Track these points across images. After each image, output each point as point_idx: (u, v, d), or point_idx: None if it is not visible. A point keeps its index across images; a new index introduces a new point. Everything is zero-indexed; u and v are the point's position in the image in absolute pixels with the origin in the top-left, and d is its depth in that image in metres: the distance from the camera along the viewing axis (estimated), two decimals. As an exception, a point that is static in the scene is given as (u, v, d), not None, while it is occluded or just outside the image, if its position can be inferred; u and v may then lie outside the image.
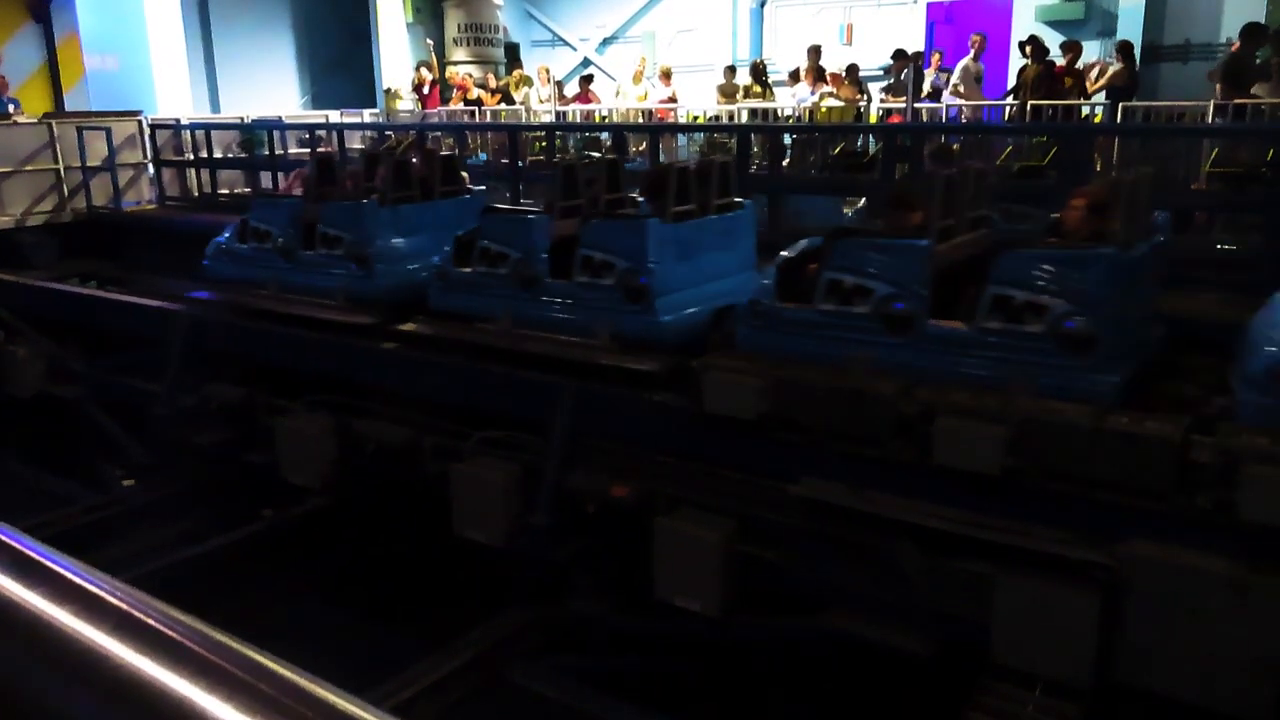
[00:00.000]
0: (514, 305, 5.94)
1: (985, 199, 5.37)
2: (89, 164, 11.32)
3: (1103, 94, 11.44)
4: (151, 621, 0.61)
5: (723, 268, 6.04)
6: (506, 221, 6.21)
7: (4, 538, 0.69)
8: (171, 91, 16.51)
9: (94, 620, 0.61)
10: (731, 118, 13.16)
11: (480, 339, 5.96)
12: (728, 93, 14.28)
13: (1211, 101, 9.86)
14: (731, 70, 15.06)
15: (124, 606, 0.62)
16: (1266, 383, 3.89)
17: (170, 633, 0.60)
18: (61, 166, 11.20)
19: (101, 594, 0.63)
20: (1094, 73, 11.73)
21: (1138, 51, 13.61)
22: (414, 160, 7.71)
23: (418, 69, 17.50)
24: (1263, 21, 11.89)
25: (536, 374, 5.60)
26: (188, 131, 12.95)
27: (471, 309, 6.14)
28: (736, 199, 6.39)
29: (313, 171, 7.68)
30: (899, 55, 12.72)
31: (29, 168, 10.99)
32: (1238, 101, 9.56)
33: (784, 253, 5.29)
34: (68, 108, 14.57)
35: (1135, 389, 4.33)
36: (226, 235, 7.72)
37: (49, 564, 0.66)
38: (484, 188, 8.42)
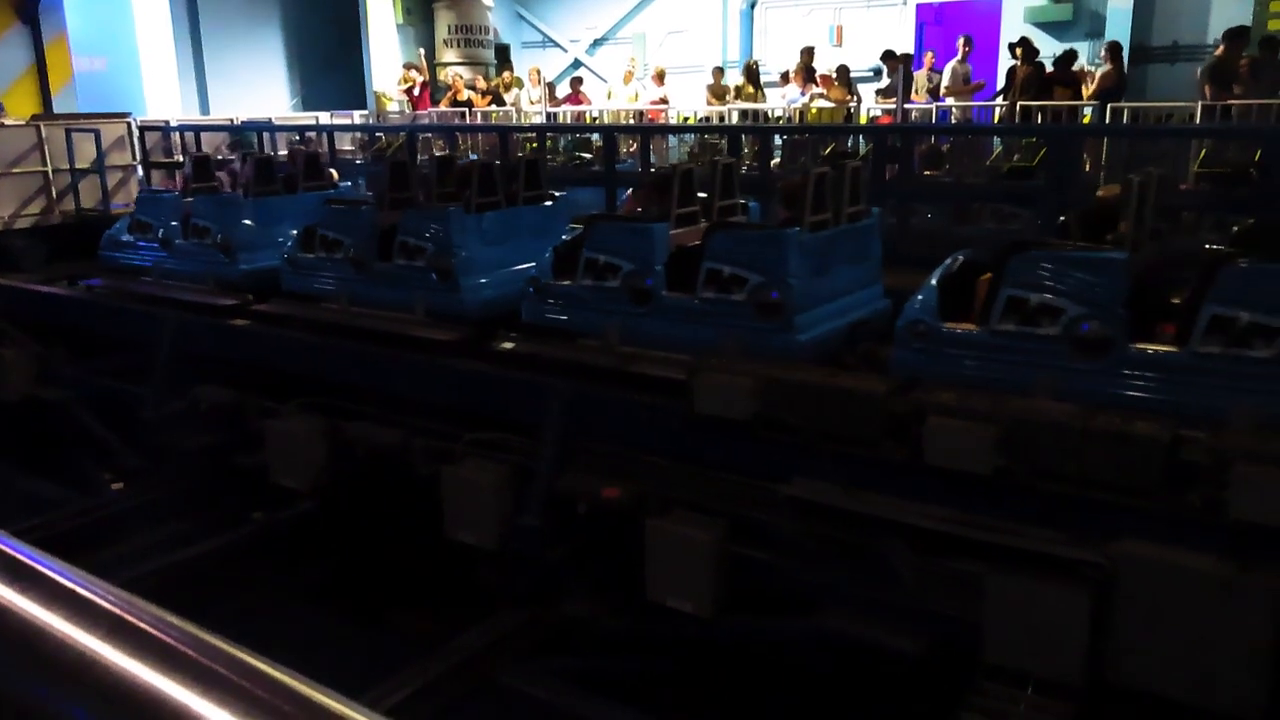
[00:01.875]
0: (351, 287, 6.84)
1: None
2: (77, 166, 11.24)
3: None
4: (145, 625, 0.60)
5: (529, 251, 6.45)
6: (341, 213, 7.17)
7: (-5, 542, 0.69)
8: (160, 93, 16.46)
9: (86, 624, 0.60)
10: (722, 119, 13.18)
11: (321, 316, 6.82)
12: (717, 94, 14.29)
13: (1199, 103, 9.92)
14: (720, 71, 15.07)
15: (117, 610, 0.61)
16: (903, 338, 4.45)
17: (164, 637, 0.60)
18: (50, 169, 11.12)
19: (94, 598, 0.63)
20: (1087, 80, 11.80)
21: (1126, 53, 13.69)
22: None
23: (405, 70, 17.47)
24: (1248, 24, 11.99)
25: (526, 375, 5.59)
26: (177, 133, 12.89)
27: (317, 290, 7.12)
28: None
29: (189, 170, 8.86)
30: (888, 56, 12.75)
31: (16, 170, 10.91)
32: (1225, 103, 9.62)
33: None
34: (56, 109, 14.49)
35: None
36: (117, 227, 8.88)
37: (41, 568, 0.66)
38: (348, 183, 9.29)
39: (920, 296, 4.82)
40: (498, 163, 7.21)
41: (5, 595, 0.63)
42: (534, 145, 11.14)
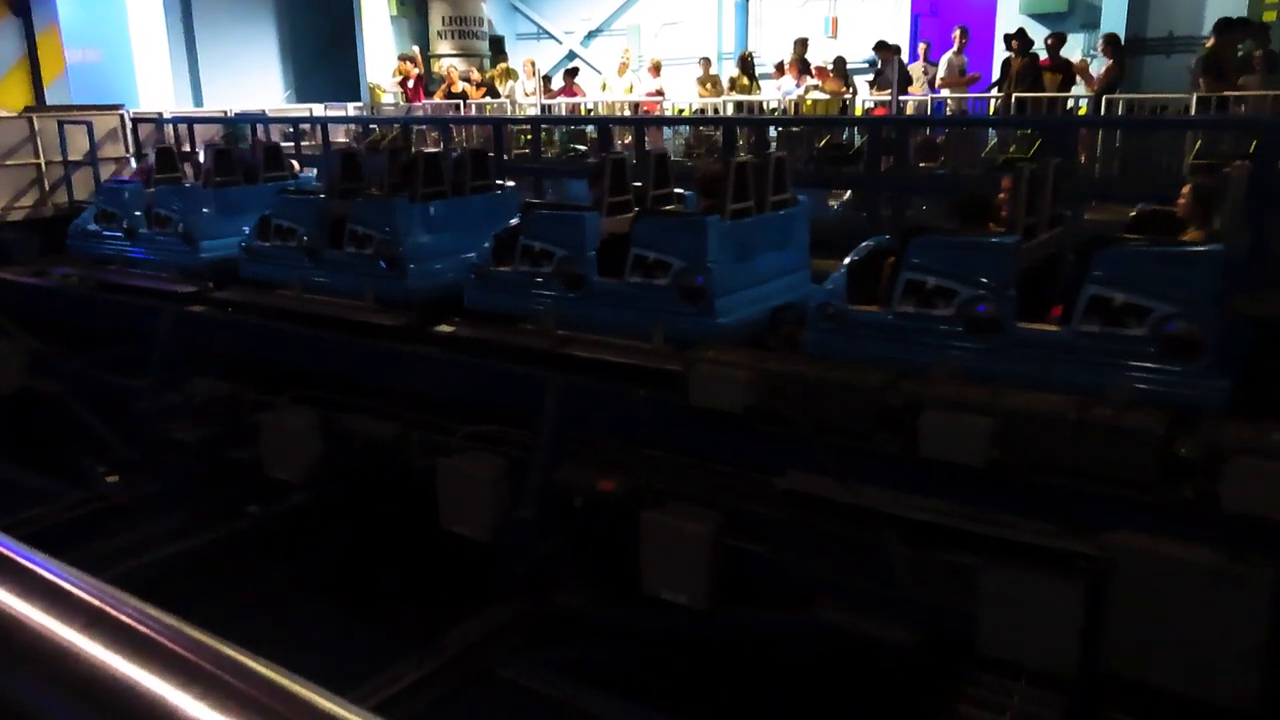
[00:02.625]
0: (304, 274, 7.08)
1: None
2: (70, 158, 11.20)
3: (1083, 85, 11.49)
4: (124, 618, 0.60)
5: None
6: (294, 202, 7.45)
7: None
8: (153, 85, 16.37)
9: (64, 617, 0.59)
10: (716, 110, 13.14)
11: (277, 303, 7.02)
12: (706, 84, 14.24)
13: (1194, 94, 9.91)
14: (707, 62, 15.00)
15: (96, 603, 0.61)
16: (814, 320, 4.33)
17: (143, 629, 0.59)
18: (43, 161, 11.08)
19: (73, 590, 0.62)
20: (1090, 71, 11.77)
21: (1121, 44, 13.65)
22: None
23: (400, 62, 17.39)
24: (1245, 14, 11.97)
25: (524, 368, 5.58)
26: (170, 125, 12.84)
27: (272, 277, 7.37)
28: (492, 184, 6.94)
29: (157, 164, 9.09)
30: (881, 46, 12.71)
31: (9, 162, 10.87)
32: (1220, 95, 9.61)
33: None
34: (48, 101, 14.41)
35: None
36: (84, 216, 9.11)
37: (19, 559, 0.65)
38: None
39: (831, 280, 5.02)
40: (447, 153, 7.46)
41: (-17, 588, 0.62)
42: (528, 137, 11.11)
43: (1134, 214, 5.15)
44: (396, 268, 6.61)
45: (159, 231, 8.26)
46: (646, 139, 10.63)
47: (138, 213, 8.47)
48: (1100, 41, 11.97)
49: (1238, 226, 4.46)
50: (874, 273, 4.93)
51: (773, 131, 10.40)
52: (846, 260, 5.09)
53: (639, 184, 6.44)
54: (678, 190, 6.62)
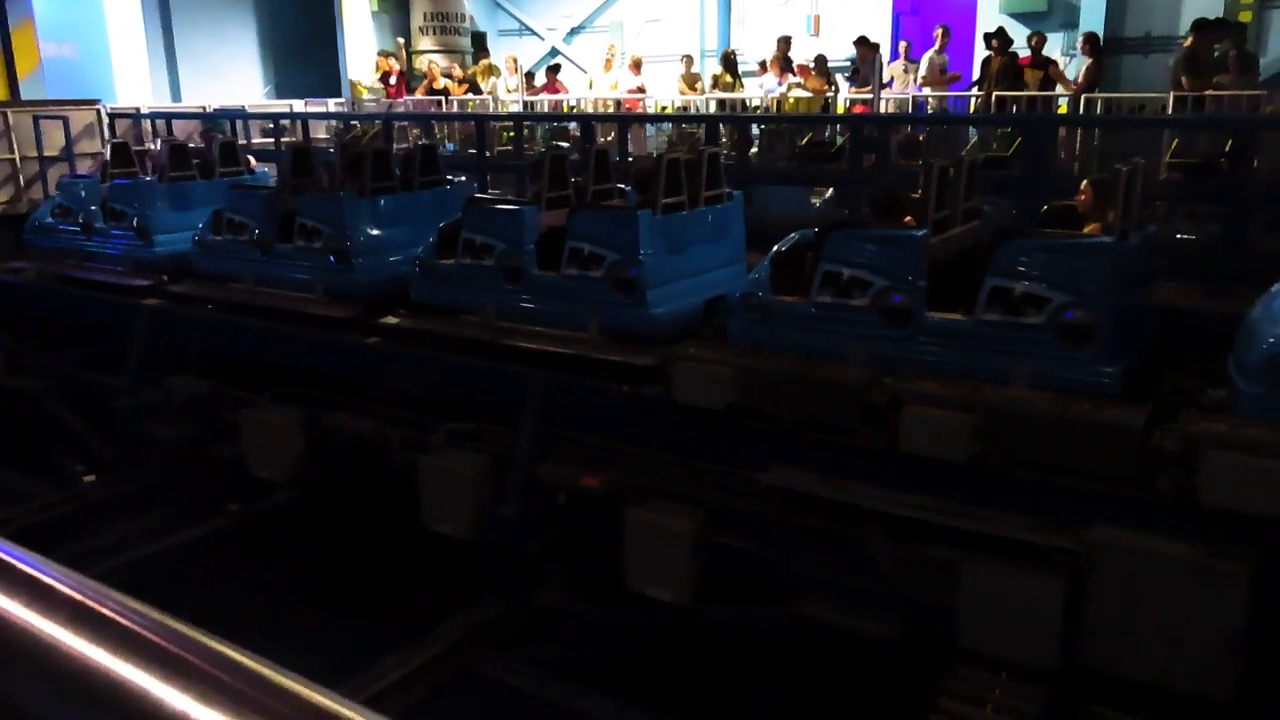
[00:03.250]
0: (256, 268, 7.17)
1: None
2: (46, 154, 11.07)
3: (1060, 86, 11.57)
4: (108, 612, 0.59)
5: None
6: (245, 196, 7.57)
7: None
8: (131, 80, 16.18)
9: (46, 611, 0.59)
10: (698, 108, 13.15)
11: (231, 296, 7.16)
12: (689, 82, 14.24)
13: (1172, 93, 10.00)
14: (690, 59, 15.01)
15: (79, 597, 0.60)
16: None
17: (127, 623, 0.59)
18: (17, 156, 10.96)
19: (55, 585, 0.61)
20: (1069, 72, 11.84)
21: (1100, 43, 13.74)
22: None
23: (379, 58, 17.30)
24: (1221, 14, 12.08)
25: (507, 365, 5.57)
26: (147, 121, 12.71)
27: (224, 271, 7.47)
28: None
29: (112, 159, 9.21)
30: (862, 43, 12.74)
31: (-16, 158, 10.74)
32: (1198, 94, 9.70)
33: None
34: (23, 96, 14.24)
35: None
36: (41, 211, 9.26)
37: (0, 555, 0.64)
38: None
39: (756, 272, 5.15)
40: (392, 148, 7.44)
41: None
42: (511, 134, 11.07)
43: (1045, 209, 5.39)
44: (344, 261, 6.71)
45: (114, 226, 8.37)
46: (629, 137, 10.63)
47: (94, 207, 8.57)
48: (1080, 40, 12.04)
49: (1131, 220, 4.59)
50: (798, 265, 5.08)
51: (755, 129, 10.40)
52: (771, 252, 5.25)
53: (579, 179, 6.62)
54: (620, 185, 6.76)
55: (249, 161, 9.28)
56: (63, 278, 8.29)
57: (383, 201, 6.99)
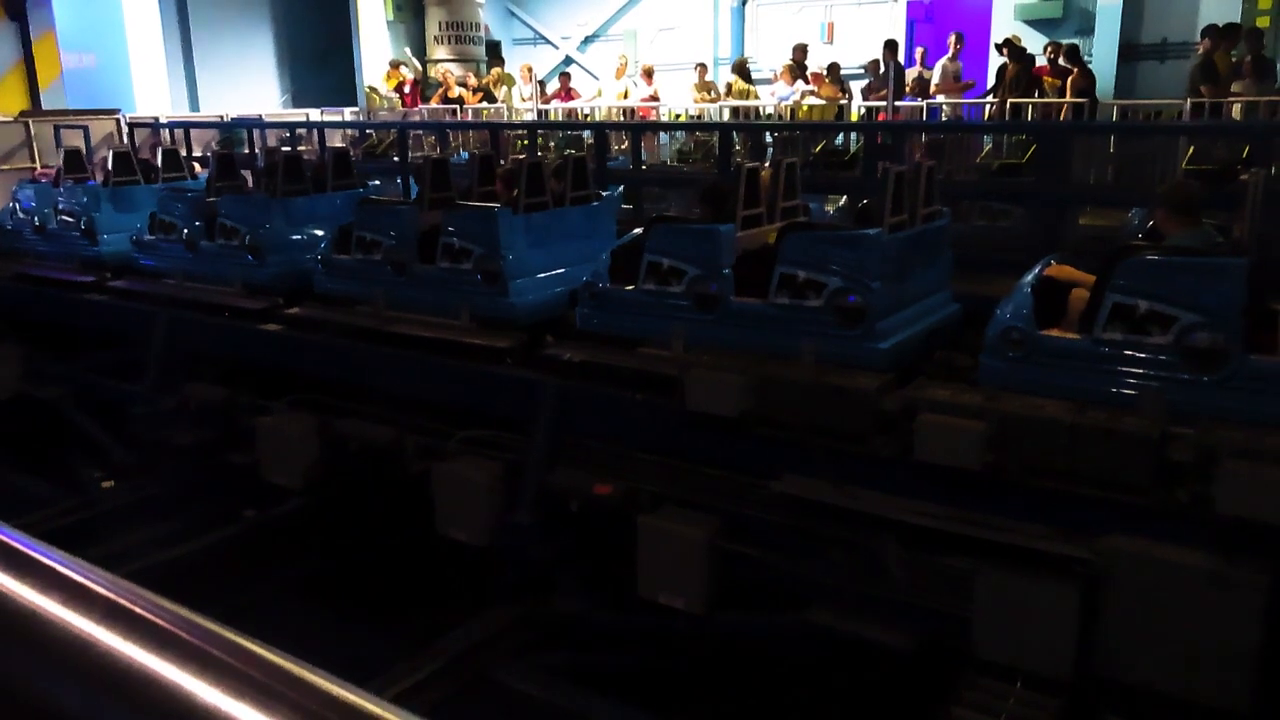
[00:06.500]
0: (182, 264, 7.76)
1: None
2: (66, 163, 11.18)
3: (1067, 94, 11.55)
4: (139, 610, 0.61)
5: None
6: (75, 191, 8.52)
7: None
8: (150, 89, 16.36)
9: (81, 609, 0.61)
10: (710, 116, 13.18)
11: (161, 290, 7.71)
12: (703, 90, 14.29)
13: (1188, 100, 9.97)
14: (704, 68, 15.05)
15: (113, 596, 0.62)
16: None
17: (158, 620, 0.61)
18: (38, 165, 11.11)
19: (88, 583, 0.63)
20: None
21: (1115, 50, 13.75)
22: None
23: (390, 68, 17.42)
24: (1238, 20, 12.04)
25: (519, 372, 5.59)
26: (166, 130, 12.84)
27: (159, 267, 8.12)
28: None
29: (61, 167, 9.67)
30: (890, 46, 12.67)
31: (6, 166, 10.91)
32: (1215, 100, 9.67)
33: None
34: (44, 106, 14.42)
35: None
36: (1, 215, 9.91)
37: (36, 555, 0.66)
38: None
39: (597, 264, 5.66)
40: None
41: (2, 581, 0.64)
42: (525, 143, 11.13)
43: (860, 206, 6.02)
44: (259, 258, 7.38)
45: (65, 227, 9.05)
46: (643, 145, 10.66)
47: (47, 210, 9.25)
48: (1060, 57, 11.91)
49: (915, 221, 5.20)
50: (634, 257, 5.51)
51: (769, 137, 10.42)
52: (614, 245, 5.78)
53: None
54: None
55: (192, 168, 10.17)
56: (20, 275, 8.93)
57: (298, 202, 7.74)
